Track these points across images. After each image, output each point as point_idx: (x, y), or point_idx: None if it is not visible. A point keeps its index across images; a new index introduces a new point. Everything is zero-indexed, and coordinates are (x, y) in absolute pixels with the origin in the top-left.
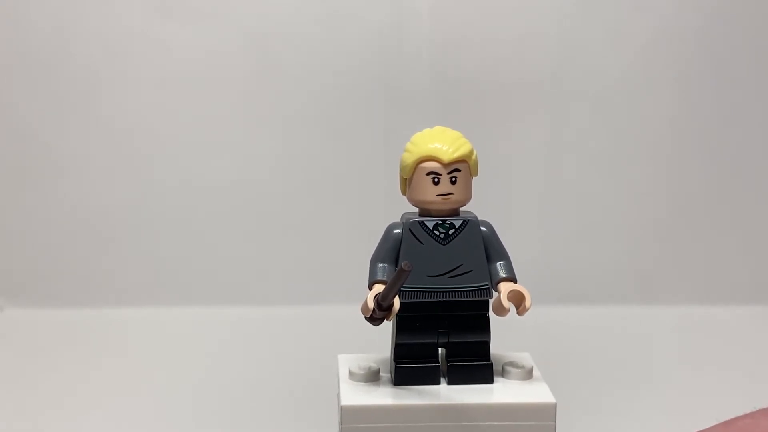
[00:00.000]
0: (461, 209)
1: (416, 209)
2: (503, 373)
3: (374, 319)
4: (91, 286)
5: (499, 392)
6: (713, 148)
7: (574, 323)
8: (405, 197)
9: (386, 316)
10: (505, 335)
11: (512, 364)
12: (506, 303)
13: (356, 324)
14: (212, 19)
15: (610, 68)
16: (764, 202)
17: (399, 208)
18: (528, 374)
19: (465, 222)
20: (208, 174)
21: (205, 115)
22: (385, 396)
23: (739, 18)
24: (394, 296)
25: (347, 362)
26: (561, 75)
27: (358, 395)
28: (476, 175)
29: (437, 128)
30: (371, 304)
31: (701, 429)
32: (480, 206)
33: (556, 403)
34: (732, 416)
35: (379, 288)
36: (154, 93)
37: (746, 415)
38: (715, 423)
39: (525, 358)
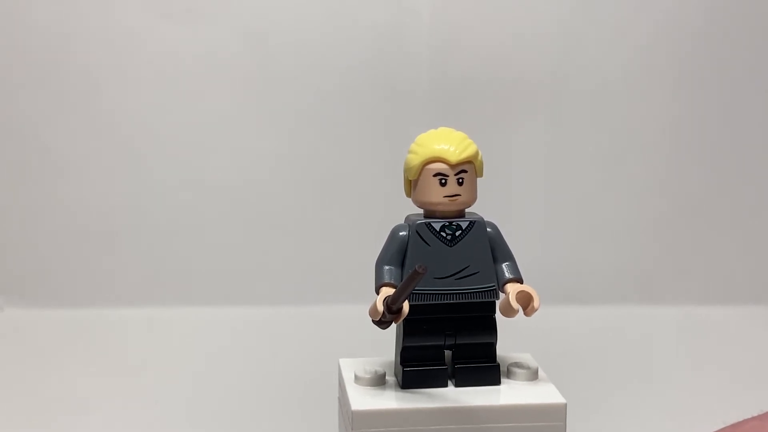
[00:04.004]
0: (466, 210)
1: (420, 211)
2: (509, 374)
3: (383, 322)
4: (91, 286)
5: (508, 394)
6: (713, 148)
7: (574, 323)
8: (409, 199)
9: (395, 319)
10: (505, 336)
11: (517, 365)
12: (515, 304)
13: (357, 325)
14: (212, 19)
15: (611, 68)
16: (764, 202)
17: (401, 208)
18: (534, 375)
19: (471, 223)
20: (208, 174)
21: (206, 115)
22: (395, 399)
23: (739, 18)
24: (405, 299)
25: (350, 366)
26: (561, 75)
27: (367, 399)
28: (481, 176)
29: (442, 129)
30: (381, 308)
31: None
32: (480, 207)
33: (566, 404)
34: (733, 416)
35: (387, 291)
36: (154, 93)
37: (753, 418)
38: (721, 425)
39: (528, 359)
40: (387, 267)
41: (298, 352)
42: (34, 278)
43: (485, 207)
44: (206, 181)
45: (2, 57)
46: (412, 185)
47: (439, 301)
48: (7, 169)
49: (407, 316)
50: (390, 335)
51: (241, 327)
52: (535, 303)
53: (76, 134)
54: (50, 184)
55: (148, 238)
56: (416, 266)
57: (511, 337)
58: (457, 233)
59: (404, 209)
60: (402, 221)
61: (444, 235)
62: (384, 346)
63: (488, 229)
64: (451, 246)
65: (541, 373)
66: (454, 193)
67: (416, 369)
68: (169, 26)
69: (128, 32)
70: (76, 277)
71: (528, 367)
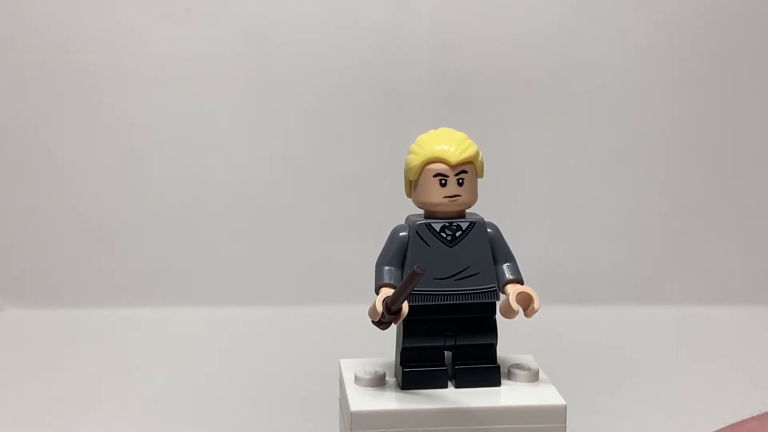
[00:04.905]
0: (467, 211)
1: (420, 211)
2: (509, 376)
3: (382, 323)
4: (91, 286)
5: (508, 395)
6: (713, 148)
7: (574, 323)
8: (410, 199)
9: (395, 320)
10: (505, 337)
11: (518, 366)
12: (515, 305)
13: (357, 325)
14: (212, 19)
15: (611, 68)
16: (764, 202)
17: (401, 208)
18: (534, 376)
19: (472, 224)
20: (208, 174)
21: (206, 115)
22: (394, 400)
23: (739, 18)
24: (404, 300)
25: (351, 367)
26: (561, 75)
27: (366, 400)
28: (482, 176)
29: (443, 129)
30: (380, 308)
31: None
32: (480, 207)
33: (566, 405)
34: (733, 416)
35: (387, 291)
36: (154, 93)
37: (753, 418)
38: (721, 425)
39: (529, 360)
40: (387, 267)
41: (299, 353)
42: (34, 278)
43: (485, 207)
44: (206, 181)
45: (2, 57)
46: (412, 186)
47: (440, 302)
48: (7, 169)
49: (407, 316)
50: (390, 336)
51: (241, 327)
52: (536, 304)
53: (76, 134)
54: (50, 184)
55: (148, 238)
56: (414, 267)
57: (511, 338)
58: (458, 234)
59: (404, 209)
60: (402, 221)
61: (444, 235)
62: (384, 346)
63: (489, 230)
64: (451, 247)
65: (542, 374)
66: (455, 194)
67: (416, 370)
68: (169, 26)
69: (128, 32)
70: (76, 277)
71: (529, 369)
